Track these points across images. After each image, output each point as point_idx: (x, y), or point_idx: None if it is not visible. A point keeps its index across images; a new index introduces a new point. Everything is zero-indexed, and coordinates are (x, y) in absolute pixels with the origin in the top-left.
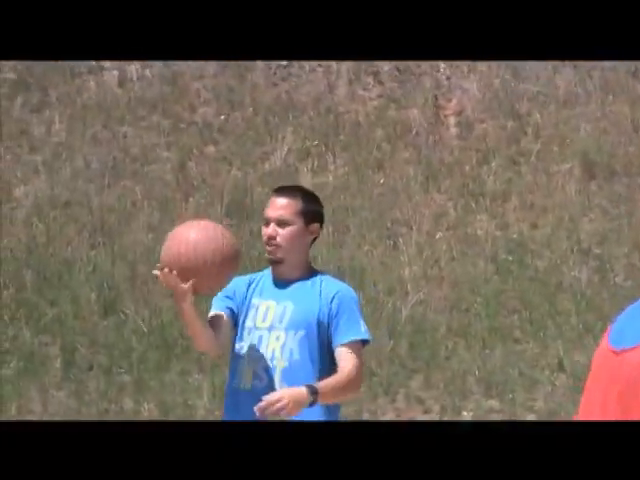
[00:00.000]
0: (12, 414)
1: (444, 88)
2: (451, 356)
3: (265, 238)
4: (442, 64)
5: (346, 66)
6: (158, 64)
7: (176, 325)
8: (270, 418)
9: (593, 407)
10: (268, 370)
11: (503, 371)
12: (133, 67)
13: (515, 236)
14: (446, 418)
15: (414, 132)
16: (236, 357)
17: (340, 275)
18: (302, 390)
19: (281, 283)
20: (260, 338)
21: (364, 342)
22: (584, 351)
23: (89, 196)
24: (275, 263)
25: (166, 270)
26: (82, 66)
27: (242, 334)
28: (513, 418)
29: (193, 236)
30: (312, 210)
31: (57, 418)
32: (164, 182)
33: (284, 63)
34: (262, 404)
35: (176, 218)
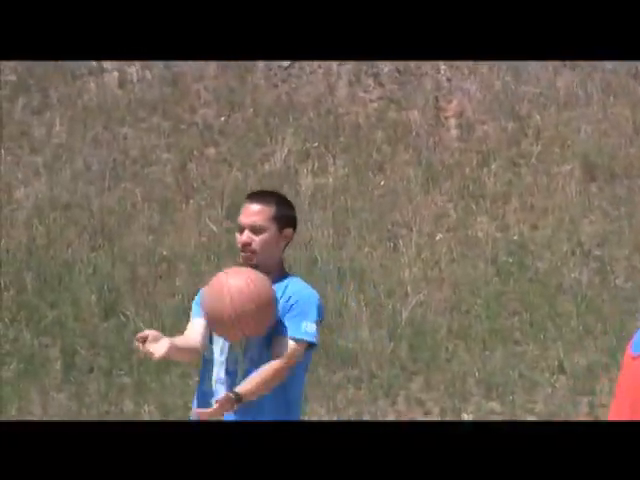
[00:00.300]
0: (12, 416)
1: (444, 90)
2: (451, 358)
3: (240, 245)
4: (442, 65)
5: (346, 67)
6: (158, 65)
7: (176, 327)
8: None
9: (622, 409)
10: (230, 374)
11: (503, 373)
12: (133, 68)
13: (515, 238)
14: (446, 420)
15: (414, 134)
16: (205, 361)
17: (340, 277)
18: (229, 396)
19: None
20: (225, 343)
21: (311, 345)
22: (584, 353)
23: (89, 198)
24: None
25: (141, 341)
26: (82, 68)
27: (212, 339)
28: (513, 420)
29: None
30: (285, 215)
31: (57, 420)
32: (164, 184)
33: (285, 64)
34: (199, 410)
35: (176, 220)
